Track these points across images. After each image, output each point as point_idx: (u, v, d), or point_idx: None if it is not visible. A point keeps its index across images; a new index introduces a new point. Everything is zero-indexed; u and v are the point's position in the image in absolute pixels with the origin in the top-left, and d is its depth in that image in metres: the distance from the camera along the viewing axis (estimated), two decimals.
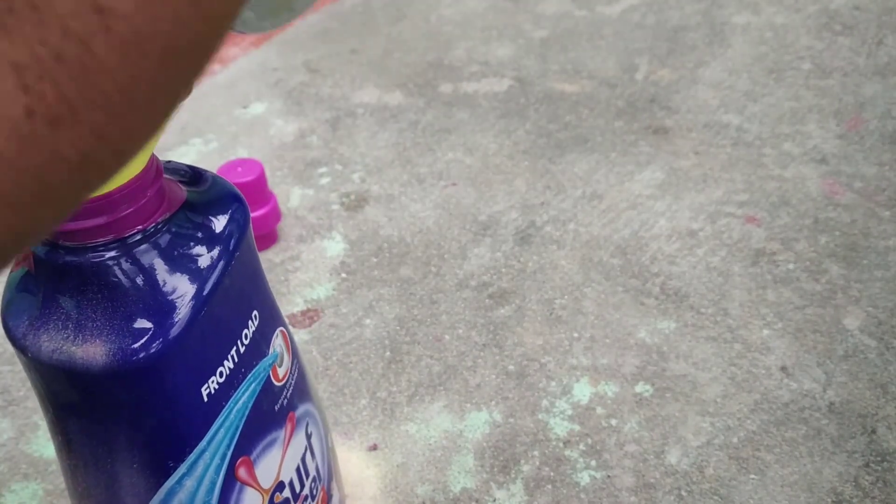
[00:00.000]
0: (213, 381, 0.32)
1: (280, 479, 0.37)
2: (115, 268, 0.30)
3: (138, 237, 0.30)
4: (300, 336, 0.64)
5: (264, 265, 0.70)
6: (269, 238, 0.73)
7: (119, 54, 0.14)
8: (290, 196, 0.79)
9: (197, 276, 0.31)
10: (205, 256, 0.31)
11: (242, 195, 0.35)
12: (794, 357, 0.59)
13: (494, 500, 0.52)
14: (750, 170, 0.78)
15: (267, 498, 0.36)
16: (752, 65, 0.93)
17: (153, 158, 0.31)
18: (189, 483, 0.32)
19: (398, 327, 0.64)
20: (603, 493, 0.51)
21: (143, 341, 0.29)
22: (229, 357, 0.33)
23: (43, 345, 0.29)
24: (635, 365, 0.59)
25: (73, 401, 0.31)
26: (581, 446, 0.54)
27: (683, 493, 0.51)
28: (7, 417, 0.59)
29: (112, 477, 0.33)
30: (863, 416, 0.55)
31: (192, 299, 0.30)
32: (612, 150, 0.82)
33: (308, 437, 0.40)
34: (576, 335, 0.62)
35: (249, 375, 0.34)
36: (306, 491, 0.39)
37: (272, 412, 0.36)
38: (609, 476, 0.52)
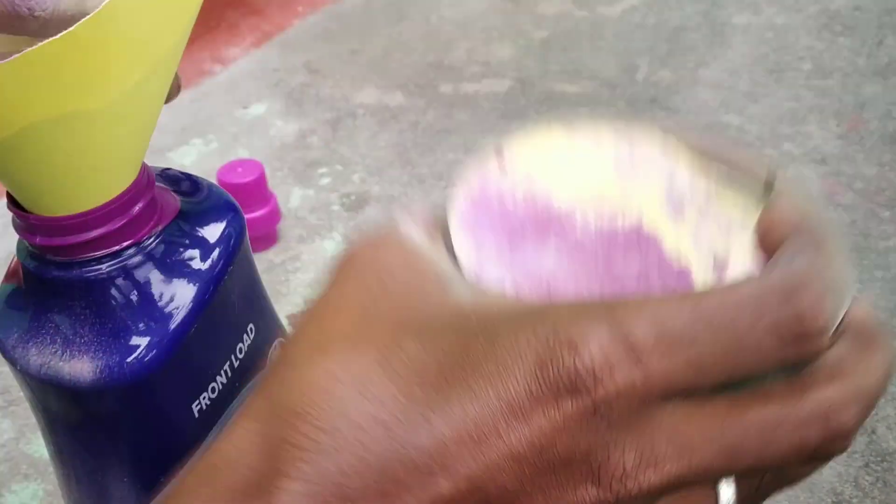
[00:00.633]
0: (204, 398, 0.31)
1: None
2: (104, 283, 0.29)
3: (128, 251, 0.29)
4: None
5: (264, 266, 0.71)
6: (269, 238, 0.73)
7: None
8: (291, 196, 0.79)
9: (188, 290, 0.30)
10: (197, 270, 0.31)
11: (238, 204, 0.34)
12: None
13: None
14: None
15: None
16: (752, 65, 0.93)
17: (144, 169, 0.30)
18: None
19: None
20: None
21: (130, 358, 0.28)
22: (222, 373, 0.32)
23: (32, 359, 0.29)
24: None
25: (62, 414, 0.31)
26: None
27: None
28: (7, 418, 0.59)
29: (103, 489, 0.32)
30: None
31: (182, 315, 0.30)
32: None
33: None
34: None
35: (245, 389, 0.33)
36: None
37: None
38: None
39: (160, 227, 0.31)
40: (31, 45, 0.22)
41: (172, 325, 0.29)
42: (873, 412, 0.54)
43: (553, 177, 0.29)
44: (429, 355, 0.16)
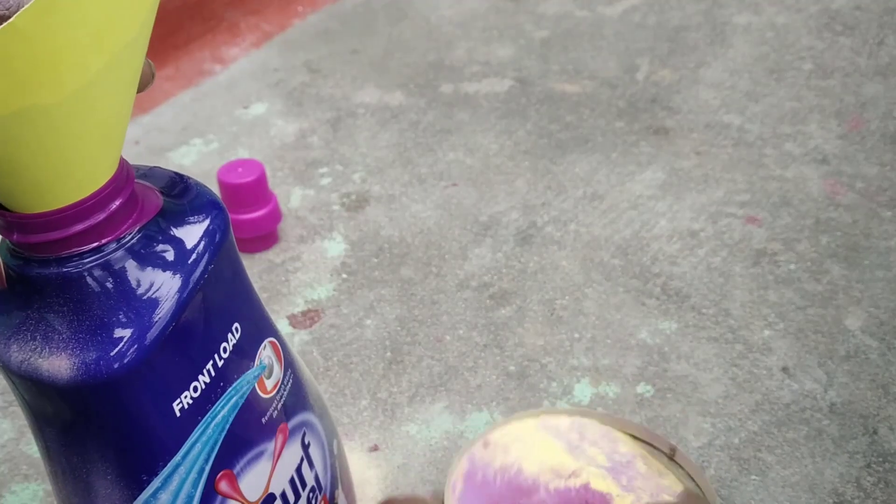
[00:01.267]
0: (186, 397, 0.31)
1: (270, 491, 0.36)
2: (83, 279, 0.29)
3: (108, 247, 0.29)
4: (301, 337, 0.64)
5: (265, 266, 0.71)
6: (269, 238, 0.73)
7: None
8: (291, 196, 0.79)
9: (169, 287, 0.30)
10: (177, 268, 0.30)
11: (223, 203, 0.34)
12: (796, 357, 0.59)
13: None
14: (751, 170, 0.78)
15: None
16: (753, 65, 0.93)
17: (123, 164, 0.30)
18: (164, 497, 0.32)
19: (399, 328, 0.64)
20: None
21: (107, 356, 0.28)
22: (205, 371, 0.32)
23: (13, 356, 0.29)
24: (636, 365, 0.59)
25: (46, 411, 0.31)
26: None
27: None
28: (7, 418, 0.59)
29: (89, 487, 0.32)
30: (864, 416, 0.55)
31: (162, 312, 0.29)
32: (613, 150, 0.82)
33: (305, 447, 0.39)
34: (577, 336, 0.62)
35: (230, 389, 0.33)
36: (303, 501, 0.39)
37: (258, 425, 0.35)
38: None
39: (141, 224, 0.30)
40: None
41: (152, 323, 0.29)
42: (875, 413, 0.54)
43: (523, 453, 0.48)
44: None
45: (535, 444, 0.49)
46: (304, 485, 0.39)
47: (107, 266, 0.29)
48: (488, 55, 0.99)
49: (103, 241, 0.29)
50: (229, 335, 0.33)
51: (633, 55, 0.97)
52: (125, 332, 0.29)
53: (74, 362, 0.28)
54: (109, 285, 0.29)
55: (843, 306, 0.63)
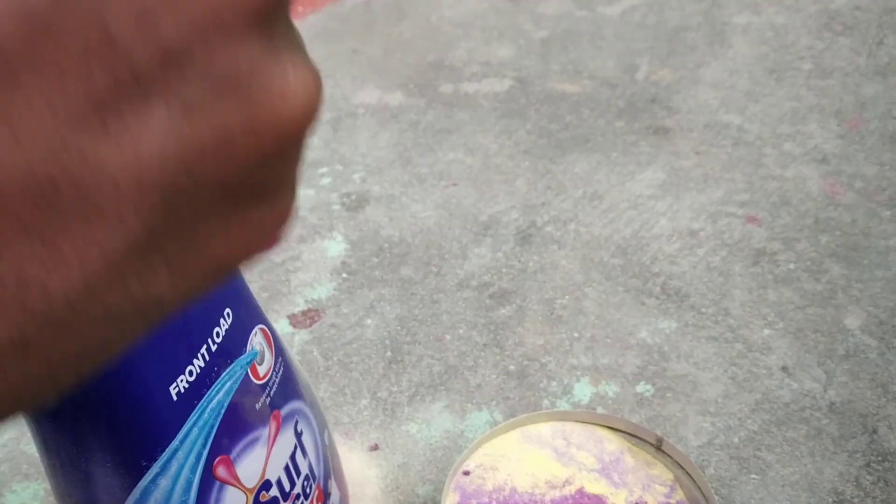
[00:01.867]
0: (182, 381, 0.32)
1: (266, 477, 0.37)
2: None
3: None
4: (301, 336, 0.64)
5: (265, 265, 0.71)
6: None
7: None
8: None
9: None
10: None
11: None
12: (795, 357, 0.59)
13: None
14: (751, 170, 0.78)
15: (251, 497, 0.36)
16: (752, 65, 0.93)
17: None
18: (164, 482, 0.32)
19: (399, 327, 0.64)
20: None
21: None
22: (199, 356, 0.33)
23: None
24: (636, 365, 0.59)
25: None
26: None
27: None
28: None
29: (88, 476, 0.33)
30: (864, 415, 0.55)
31: None
32: (612, 150, 0.82)
33: (298, 435, 0.40)
34: (576, 335, 0.62)
35: (224, 374, 0.34)
36: (297, 490, 0.39)
37: (253, 410, 0.36)
38: None
39: None
40: None
41: None
42: (874, 412, 0.54)
43: (512, 470, 0.48)
44: None
45: (521, 458, 0.49)
46: (298, 473, 0.39)
47: None
48: (488, 55, 0.99)
49: None
50: (221, 320, 0.34)
51: (633, 55, 0.97)
52: None
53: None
54: None
55: (843, 306, 0.63)
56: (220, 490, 0.34)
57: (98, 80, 0.11)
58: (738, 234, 0.70)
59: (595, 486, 0.47)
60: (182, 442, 0.32)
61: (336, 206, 0.77)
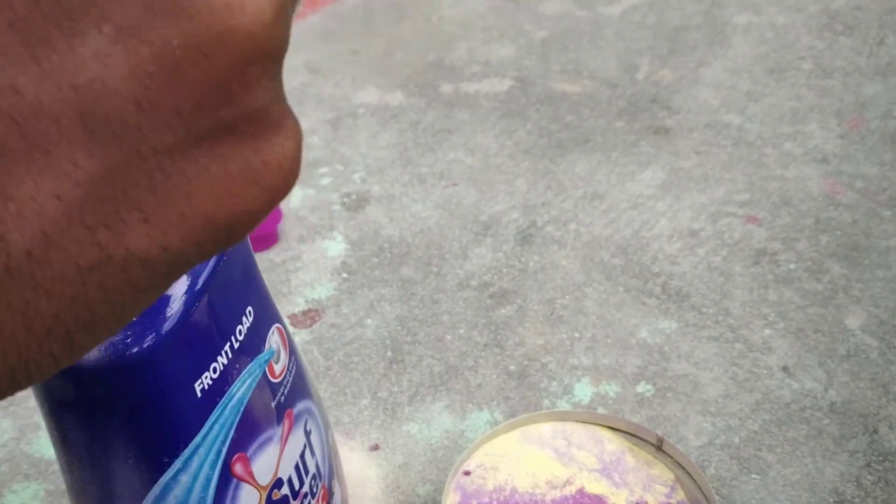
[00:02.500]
0: (206, 377, 0.32)
1: (278, 475, 0.37)
2: None
3: None
4: (301, 336, 0.64)
5: (265, 265, 0.71)
6: (269, 238, 0.73)
7: None
8: (291, 196, 0.79)
9: (189, 271, 0.31)
10: None
11: None
12: (796, 357, 0.59)
13: None
14: (751, 170, 0.78)
15: (265, 495, 0.36)
16: (753, 65, 0.93)
17: None
18: (184, 479, 0.32)
19: (399, 327, 0.64)
20: None
21: (135, 336, 0.29)
22: (223, 353, 0.33)
23: None
24: (637, 365, 0.59)
25: (67, 396, 0.31)
26: None
27: None
28: (8, 417, 0.59)
29: (108, 473, 0.33)
30: (864, 415, 0.55)
31: (183, 295, 0.30)
32: (613, 150, 0.82)
33: (307, 434, 0.40)
34: (577, 335, 0.62)
35: (244, 372, 0.34)
36: (306, 488, 0.39)
37: (269, 409, 0.36)
38: None
39: None
40: None
41: (174, 305, 0.30)
42: (875, 412, 0.54)
43: (513, 470, 0.48)
44: None
45: (522, 458, 0.49)
46: (306, 472, 0.40)
47: None
48: (488, 55, 0.99)
49: None
50: (244, 318, 0.34)
51: (633, 55, 0.97)
52: (152, 313, 0.30)
53: (101, 343, 0.29)
54: None
55: (844, 305, 0.63)
56: (237, 487, 0.34)
57: (20, 8, 0.10)
58: (739, 234, 0.70)
59: (596, 487, 0.47)
60: (204, 438, 0.32)
61: (336, 206, 0.77)
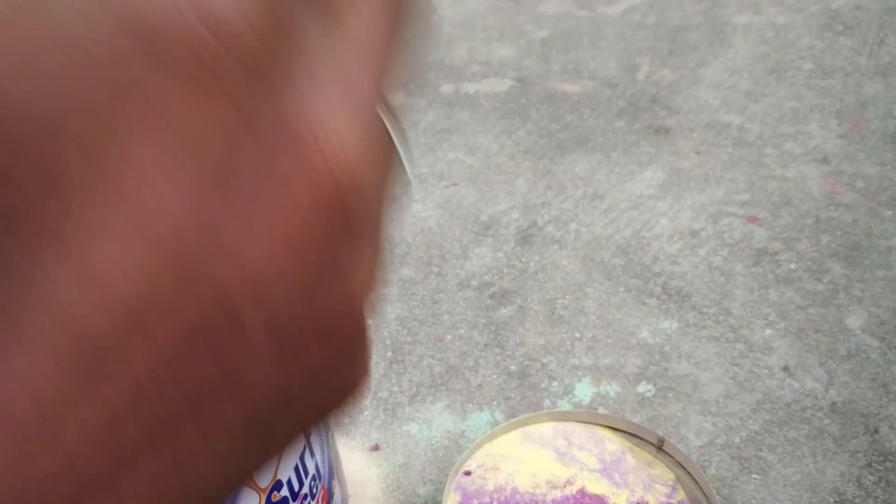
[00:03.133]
0: None
1: (277, 477, 0.37)
2: None
3: None
4: None
5: None
6: None
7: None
8: None
9: None
10: None
11: None
12: (797, 357, 0.59)
13: None
14: (751, 170, 0.78)
15: (264, 497, 0.36)
16: (753, 65, 0.93)
17: None
18: None
19: (399, 327, 0.64)
20: None
21: None
22: None
23: None
24: (637, 365, 0.59)
25: None
26: None
27: None
28: None
29: None
30: (865, 415, 0.55)
31: None
32: (613, 150, 0.82)
33: (306, 435, 0.40)
34: (577, 335, 0.62)
35: None
36: (305, 490, 0.39)
37: None
38: None
39: None
40: None
41: None
42: (876, 412, 0.54)
43: (513, 470, 0.48)
44: None
45: (523, 458, 0.49)
46: (306, 473, 0.39)
47: None
48: (488, 55, 0.99)
49: None
50: None
51: (633, 55, 0.97)
52: None
53: None
54: None
55: (844, 305, 0.63)
56: (236, 490, 0.34)
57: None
58: (739, 233, 0.70)
59: (596, 487, 0.47)
60: None
61: None
